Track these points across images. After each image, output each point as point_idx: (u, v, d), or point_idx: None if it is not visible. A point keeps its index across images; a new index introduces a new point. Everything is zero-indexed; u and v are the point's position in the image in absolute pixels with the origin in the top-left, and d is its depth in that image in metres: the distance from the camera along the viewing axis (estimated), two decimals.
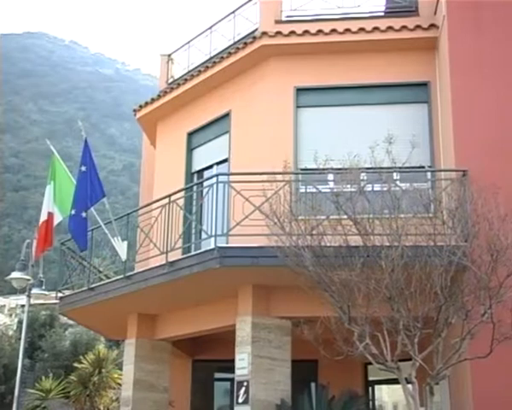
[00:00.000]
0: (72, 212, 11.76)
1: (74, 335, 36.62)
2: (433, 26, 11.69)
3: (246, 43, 12.63)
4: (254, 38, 12.48)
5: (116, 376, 16.91)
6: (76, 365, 18.04)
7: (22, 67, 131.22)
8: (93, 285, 12.17)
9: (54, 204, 13.44)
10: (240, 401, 10.32)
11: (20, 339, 16.69)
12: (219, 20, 14.62)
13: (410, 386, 7.88)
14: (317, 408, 9.70)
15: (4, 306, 54.21)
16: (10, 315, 49.91)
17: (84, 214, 11.60)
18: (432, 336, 7.94)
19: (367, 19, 12.36)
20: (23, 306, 18.99)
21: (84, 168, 11.73)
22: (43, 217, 13.72)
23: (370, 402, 13.54)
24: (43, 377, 18.22)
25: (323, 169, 9.23)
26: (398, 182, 8.92)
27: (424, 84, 11.89)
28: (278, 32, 12.25)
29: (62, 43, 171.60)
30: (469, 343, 8.06)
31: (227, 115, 13.19)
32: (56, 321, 39.49)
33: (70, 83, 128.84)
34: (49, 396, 16.62)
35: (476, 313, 7.86)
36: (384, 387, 13.50)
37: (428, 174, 10.55)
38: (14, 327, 43.59)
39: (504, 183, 8.45)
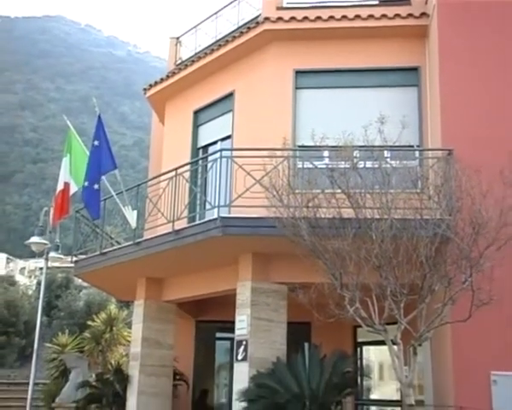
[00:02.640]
0: (85, 183, 11.75)
1: (88, 296, 36.80)
2: (424, 14, 11.57)
3: (249, 28, 12.51)
4: (257, 23, 12.37)
5: (126, 334, 16.98)
6: (89, 323, 18.10)
7: (42, 48, 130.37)
8: (105, 250, 12.20)
9: (70, 175, 13.43)
10: (239, 358, 10.40)
11: (38, 298, 16.74)
12: (225, 6, 14.52)
13: (395, 347, 7.94)
14: (310, 366, 9.74)
15: (24, 268, 54.48)
16: (30, 277, 50.20)
17: (96, 186, 11.59)
18: (416, 301, 7.98)
19: (363, 7, 12.20)
20: (41, 268, 19.08)
21: (96, 143, 11.71)
22: (60, 187, 13.75)
23: (359, 361, 13.63)
24: (60, 333, 18.30)
25: (320, 146, 9.18)
26: (388, 159, 8.86)
27: (414, 69, 11.79)
28: (279, 18, 12.13)
29: (78, 26, 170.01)
30: (450, 309, 8.13)
31: (231, 95, 13.10)
32: (72, 283, 39.67)
33: (85, 63, 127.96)
34: (65, 350, 16.69)
35: (457, 281, 7.91)
36: (371, 348, 13.56)
37: (417, 153, 10.50)
38: (34, 288, 43.81)
39: (486, 162, 8.40)
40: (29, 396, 15.15)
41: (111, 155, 11.76)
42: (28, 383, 15.57)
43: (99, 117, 11.98)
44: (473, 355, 8.83)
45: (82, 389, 13.59)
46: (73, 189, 13.37)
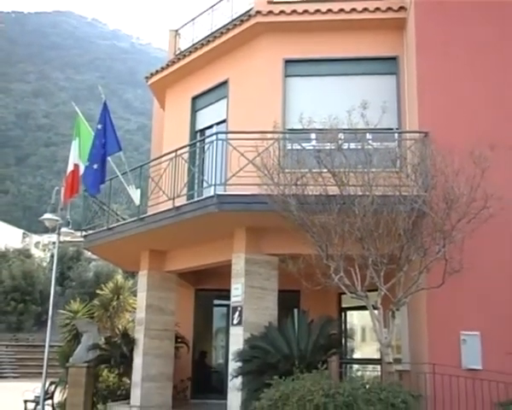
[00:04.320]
0: (87, 163, 11.72)
1: (97, 267, 36.96)
2: (402, 8, 11.42)
3: (242, 21, 12.35)
4: (249, 16, 12.21)
5: (131, 301, 16.93)
6: (98, 291, 18.02)
7: (52, 41, 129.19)
8: (111, 226, 12.14)
9: (79, 157, 13.32)
10: (234, 322, 10.41)
11: (52, 270, 16.69)
12: (220, 0, 14.28)
13: (376, 312, 7.97)
14: (299, 329, 9.77)
15: (39, 242, 54.45)
16: (44, 250, 50.20)
17: (95, 166, 11.50)
18: (395, 270, 8.00)
19: (346, 1, 12.00)
20: (54, 242, 19.04)
21: (99, 126, 11.60)
22: (70, 168, 13.65)
23: (343, 325, 13.70)
24: (72, 301, 18.24)
25: (307, 129, 9.10)
26: (370, 141, 8.80)
27: (393, 59, 11.65)
28: (270, 12, 11.97)
29: (85, 20, 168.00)
30: (426, 276, 8.17)
31: (225, 83, 12.96)
32: (82, 256, 39.77)
33: (92, 55, 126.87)
34: (76, 316, 16.68)
35: (432, 251, 7.96)
36: (355, 313, 13.59)
37: (396, 135, 10.45)
38: (47, 260, 43.89)
39: (458, 143, 8.36)
40: (45, 357, 15.20)
41: (116, 138, 11.65)
42: (44, 346, 15.61)
43: (104, 104, 11.86)
44: (445, 318, 8.89)
45: (93, 351, 13.61)
46: (82, 170, 13.23)
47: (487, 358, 8.62)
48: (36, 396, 15.37)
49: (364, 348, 13.69)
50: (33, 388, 15.78)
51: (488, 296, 8.91)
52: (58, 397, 15.61)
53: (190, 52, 13.61)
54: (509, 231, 9.05)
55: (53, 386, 15.67)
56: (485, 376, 8.19)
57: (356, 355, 13.87)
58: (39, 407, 14.76)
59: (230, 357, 10.15)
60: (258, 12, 11.98)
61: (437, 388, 8.26)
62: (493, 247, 8.99)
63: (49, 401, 15.44)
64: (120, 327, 15.20)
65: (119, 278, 18.54)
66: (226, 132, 11.28)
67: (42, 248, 51.61)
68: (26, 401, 15.37)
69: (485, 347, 8.71)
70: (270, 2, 12.29)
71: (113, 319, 16.64)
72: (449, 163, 8.03)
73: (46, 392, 15.15)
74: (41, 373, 15.49)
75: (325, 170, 8.22)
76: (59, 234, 16.23)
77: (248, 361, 9.61)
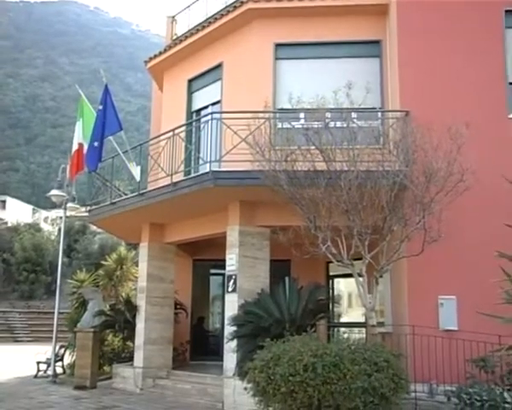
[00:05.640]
0: (89, 141, 11.69)
1: (101, 240, 36.86)
2: None
3: (235, 7, 12.14)
4: (242, 2, 11.99)
5: (134, 271, 16.89)
6: (103, 262, 17.99)
7: (57, 28, 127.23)
8: (114, 201, 12.09)
9: (82, 137, 13.19)
10: (229, 290, 10.42)
11: (60, 242, 16.58)
12: None
13: (361, 279, 7.96)
14: (289, 296, 9.78)
15: (48, 217, 54.22)
16: (52, 224, 50.03)
17: (95, 144, 11.48)
18: (378, 240, 7.99)
19: None
20: (61, 217, 18.90)
21: (100, 107, 11.51)
22: (75, 147, 13.54)
23: (330, 291, 13.74)
24: (79, 271, 18.20)
25: (296, 109, 9.05)
26: (355, 120, 8.71)
27: (377, 42, 11.50)
28: None
29: (88, 8, 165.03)
30: (406, 245, 8.16)
31: (220, 66, 12.80)
32: (87, 229, 39.67)
33: (95, 41, 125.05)
34: (83, 285, 16.65)
35: (412, 221, 7.95)
36: (341, 280, 13.64)
37: (379, 114, 10.36)
38: (56, 233, 43.73)
39: (437, 121, 8.28)
40: (55, 323, 15.20)
41: (117, 118, 11.54)
42: (54, 312, 15.60)
43: (106, 86, 11.74)
44: (424, 283, 8.94)
45: (98, 317, 13.62)
46: (86, 148, 13.12)
47: (462, 320, 8.68)
48: (47, 358, 15.40)
49: (350, 313, 13.76)
50: (45, 351, 15.80)
51: (463, 263, 8.95)
52: (67, 359, 15.68)
53: (186, 37, 13.41)
54: (483, 203, 9.04)
55: (63, 349, 15.72)
56: (460, 336, 8.23)
57: (342, 319, 13.96)
58: (50, 367, 14.81)
59: (226, 322, 10.17)
60: None
61: (416, 347, 8.31)
62: (468, 217, 8.99)
63: (60, 363, 15.50)
64: (124, 295, 15.22)
65: (122, 249, 18.47)
66: (220, 112, 11.16)
67: (50, 222, 51.44)
68: (38, 363, 15.41)
69: (461, 310, 8.77)
70: None
71: (116, 288, 16.63)
72: (428, 140, 7.98)
73: (56, 354, 15.19)
74: (51, 337, 15.51)
75: (313, 147, 8.16)
76: (65, 209, 16.11)
77: (242, 325, 9.63)
